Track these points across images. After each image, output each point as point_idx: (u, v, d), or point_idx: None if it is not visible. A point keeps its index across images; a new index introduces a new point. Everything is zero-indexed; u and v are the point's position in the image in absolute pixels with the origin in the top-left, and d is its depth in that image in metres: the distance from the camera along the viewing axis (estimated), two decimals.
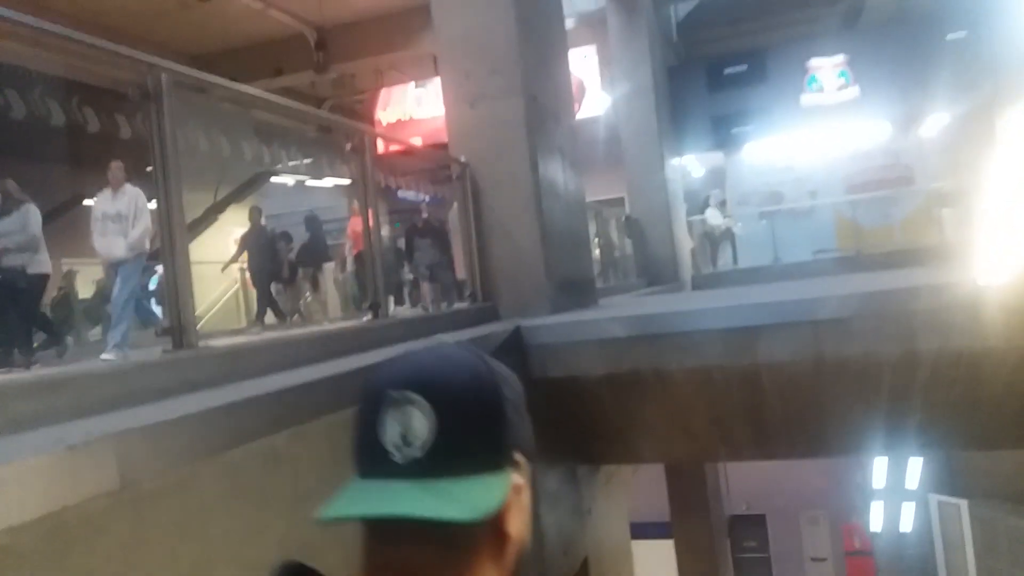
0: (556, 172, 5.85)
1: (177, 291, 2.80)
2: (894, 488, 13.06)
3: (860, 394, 4.52)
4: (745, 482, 20.61)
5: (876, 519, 13.94)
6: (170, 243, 2.81)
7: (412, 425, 0.71)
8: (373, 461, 0.71)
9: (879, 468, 12.54)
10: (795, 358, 4.21)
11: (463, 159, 5.38)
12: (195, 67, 3.43)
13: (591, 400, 4.81)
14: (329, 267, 11.31)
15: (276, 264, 10.51)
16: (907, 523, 13.70)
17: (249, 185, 15.86)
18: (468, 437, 0.75)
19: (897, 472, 12.60)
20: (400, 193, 15.84)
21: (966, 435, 4.98)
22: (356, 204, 7.18)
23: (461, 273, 5.41)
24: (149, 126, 2.79)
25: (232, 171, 14.34)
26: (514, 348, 4.58)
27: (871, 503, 13.97)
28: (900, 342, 4.04)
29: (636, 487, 19.53)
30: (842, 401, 4.62)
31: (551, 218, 5.61)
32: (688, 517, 13.10)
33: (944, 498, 19.31)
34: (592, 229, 9.22)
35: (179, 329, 2.78)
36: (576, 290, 6.14)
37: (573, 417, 5.12)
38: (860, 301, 4.08)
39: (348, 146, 4.41)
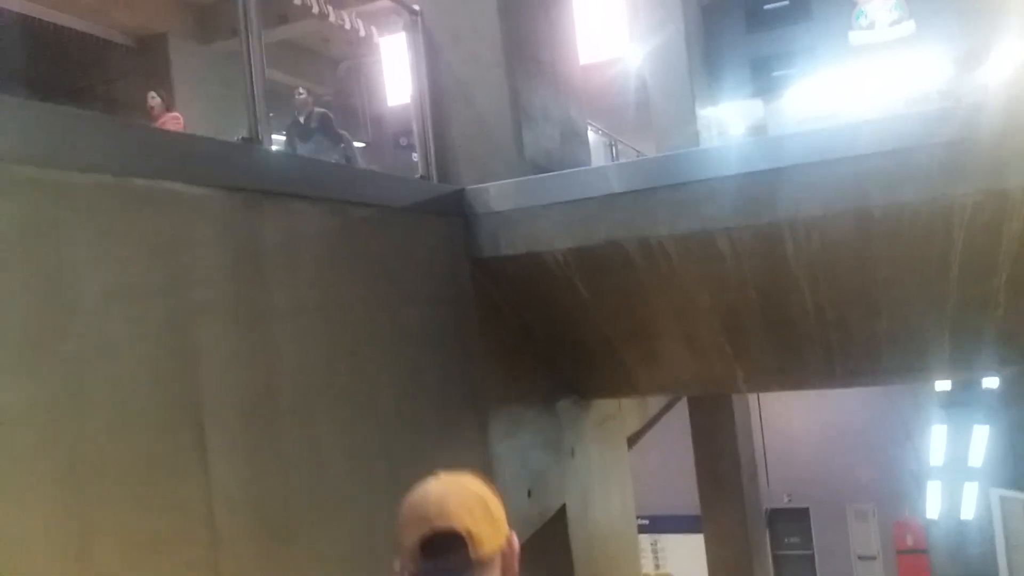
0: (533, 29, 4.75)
1: None
2: (954, 466, 11.56)
3: (920, 269, 3.31)
4: (786, 471, 19.13)
5: (933, 504, 12.45)
6: None
7: None
8: None
9: (937, 440, 11.07)
10: (829, 211, 3.04)
11: (415, 7, 4.31)
12: None
13: (559, 289, 3.69)
14: None
15: None
16: (968, 509, 12.17)
17: None
18: None
19: (958, 445, 11.11)
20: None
21: None
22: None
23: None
24: None
25: None
26: (455, 217, 3.49)
27: (927, 483, 12.48)
28: (982, 180, 2.84)
29: (663, 476, 18.27)
30: (895, 282, 3.42)
31: (527, 83, 4.50)
32: (720, 507, 11.85)
33: (1006, 492, 17.63)
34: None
35: None
36: None
37: (538, 316, 3.99)
38: (922, 126, 2.88)
39: None
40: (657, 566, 20.44)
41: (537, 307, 3.93)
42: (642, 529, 20.50)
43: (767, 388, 4.54)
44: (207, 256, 2.03)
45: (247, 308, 2.13)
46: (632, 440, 8.38)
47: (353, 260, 2.63)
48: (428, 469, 3.04)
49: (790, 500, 19.72)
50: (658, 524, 19.92)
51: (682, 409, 11.95)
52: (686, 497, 12.40)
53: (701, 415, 11.72)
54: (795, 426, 19.13)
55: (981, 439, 10.67)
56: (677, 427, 12.28)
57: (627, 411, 5.94)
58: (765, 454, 18.89)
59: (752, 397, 17.66)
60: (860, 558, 19.06)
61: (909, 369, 4.13)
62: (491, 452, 3.55)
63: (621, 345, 4.21)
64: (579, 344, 4.27)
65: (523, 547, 3.89)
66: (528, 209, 3.47)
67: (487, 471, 3.49)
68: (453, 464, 3.11)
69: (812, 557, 19.76)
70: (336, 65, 18.07)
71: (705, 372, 4.38)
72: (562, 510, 4.35)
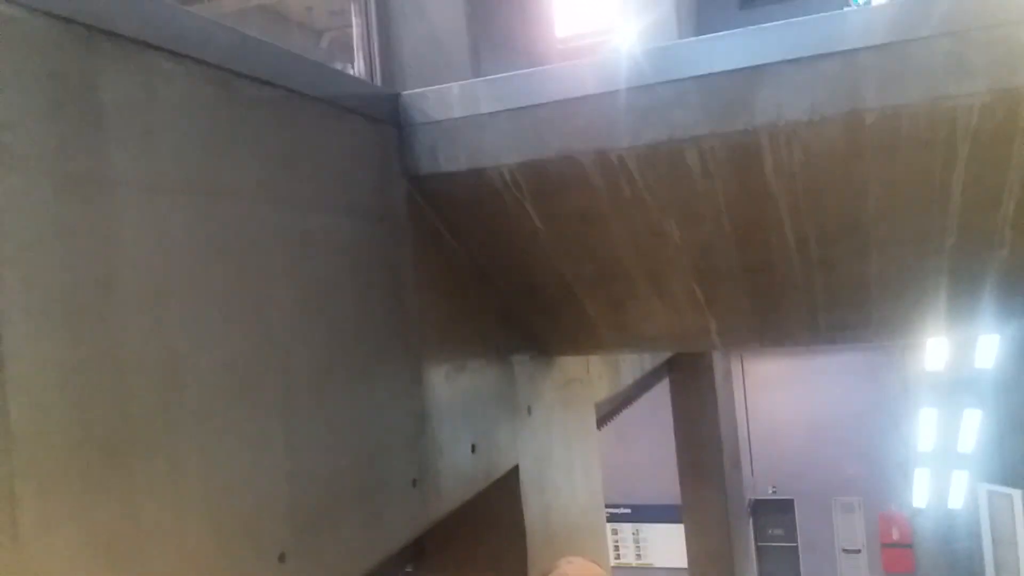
0: None
1: None
2: (943, 453, 11.21)
3: (917, 195, 2.89)
4: (772, 462, 18.86)
5: (920, 492, 12.10)
6: None
7: None
8: None
9: (926, 425, 10.70)
10: (815, 116, 2.60)
11: None
12: None
13: (508, 217, 3.25)
14: None
15: None
16: (956, 499, 11.84)
17: None
18: None
19: (948, 431, 10.76)
20: None
21: None
22: None
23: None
24: None
25: None
26: (388, 126, 3.04)
27: (914, 472, 12.13)
28: (992, 76, 2.41)
29: (647, 465, 17.90)
30: (888, 213, 2.99)
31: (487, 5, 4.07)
32: (701, 495, 11.46)
33: (995, 487, 17.36)
34: None
35: None
36: None
37: (488, 253, 3.56)
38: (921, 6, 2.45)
39: None
40: (639, 556, 20.13)
41: (486, 240, 3.49)
42: (624, 518, 20.26)
43: (744, 344, 4.11)
44: (14, 93, 1.58)
45: (75, 172, 1.68)
46: (608, 416, 7.98)
47: (241, 145, 2.18)
48: (338, 401, 2.61)
49: (775, 491, 19.43)
50: (641, 513, 19.62)
51: (666, 397, 11.56)
52: (669, 486, 12.04)
53: (683, 400, 11.33)
54: (781, 417, 18.80)
55: (972, 424, 10.30)
56: (661, 415, 11.90)
57: (596, 376, 5.52)
58: (750, 445, 18.57)
59: (738, 385, 17.32)
60: (845, 551, 18.81)
61: (901, 323, 3.71)
62: (426, 397, 3.12)
63: (583, 291, 3.78)
64: (537, 290, 3.84)
65: (466, 507, 3.49)
66: (472, 119, 3.03)
67: (420, 418, 3.06)
68: (375, 402, 2.66)
69: (796, 549, 19.50)
70: (319, 37, 17.57)
71: (675, 324, 3.96)
72: (514, 471, 3.93)
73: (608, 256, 3.50)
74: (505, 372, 3.96)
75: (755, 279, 3.49)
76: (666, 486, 11.75)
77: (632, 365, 6.56)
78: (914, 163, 2.73)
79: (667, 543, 19.23)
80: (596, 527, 5.16)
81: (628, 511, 19.60)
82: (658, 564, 19.03)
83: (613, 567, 19.48)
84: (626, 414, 20.61)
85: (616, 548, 19.86)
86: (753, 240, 3.26)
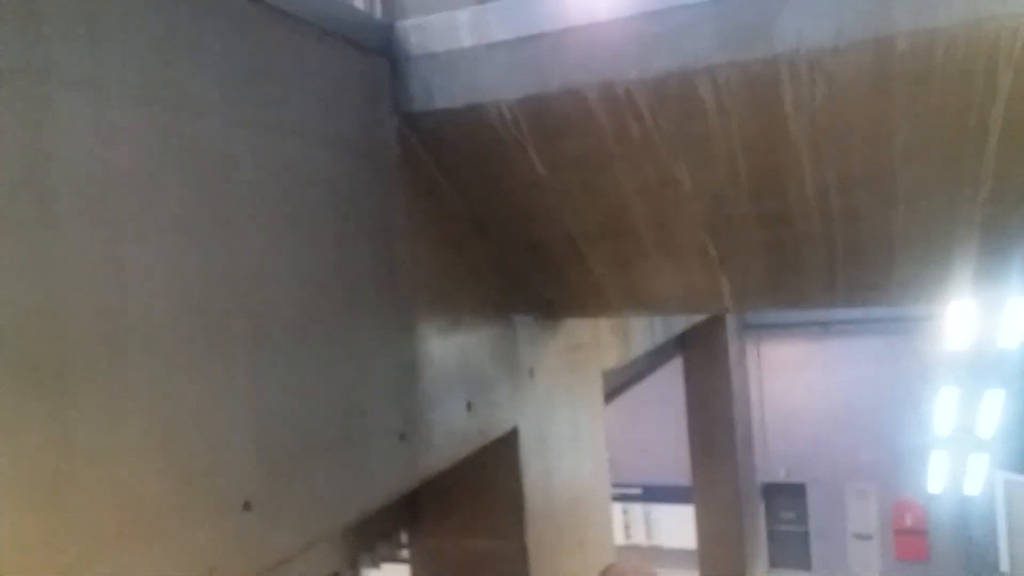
0: None
1: None
2: (961, 436, 10.92)
3: (951, 135, 2.65)
4: (785, 446, 18.60)
5: (936, 476, 11.83)
6: None
7: None
8: None
9: (945, 406, 10.39)
10: (840, 41, 2.37)
11: None
12: None
13: (508, 161, 3.05)
14: None
15: None
16: (973, 485, 11.55)
17: None
18: None
19: (967, 413, 10.46)
20: None
21: None
22: None
23: None
24: None
25: None
26: (380, 58, 2.84)
27: (931, 455, 11.86)
28: None
29: (658, 445, 17.70)
30: (918, 154, 2.75)
31: None
32: (712, 475, 11.27)
33: (1012, 476, 17.03)
34: None
35: None
36: None
37: (487, 202, 3.35)
38: None
39: None
40: (649, 536, 20.00)
41: (485, 189, 3.29)
42: (635, 499, 20.11)
43: (758, 305, 3.89)
44: None
45: (7, 65, 1.50)
46: (619, 390, 7.79)
47: (203, 56, 1.99)
48: (316, 343, 2.43)
49: (787, 475, 19.19)
50: (652, 494, 19.46)
51: (678, 376, 11.35)
52: (681, 467, 11.86)
53: (696, 379, 11.12)
54: (796, 400, 18.54)
55: (993, 406, 10.00)
56: (673, 395, 11.70)
57: (605, 343, 5.32)
58: (764, 428, 18.33)
59: (753, 367, 17.06)
60: (856, 537, 18.56)
61: (925, 283, 3.47)
62: (417, 349, 2.93)
63: (588, 247, 3.57)
64: (539, 246, 3.64)
65: (462, 469, 3.30)
66: (470, 51, 2.82)
67: (409, 370, 2.88)
68: (358, 348, 2.48)
69: (807, 534, 19.26)
70: None
71: (685, 284, 3.74)
72: (513, 434, 3.75)
73: (614, 207, 3.29)
74: (506, 332, 3.77)
75: (771, 232, 3.27)
76: (678, 467, 11.57)
77: (643, 336, 6.35)
78: (948, 97, 2.50)
79: (678, 524, 19.08)
80: (601, 499, 4.99)
81: (639, 491, 19.44)
82: (668, 545, 18.88)
83: (623, 547, 19.38)
84: (638, 393, 20.43)
85: (626, 528, 19.73)
86: (770, 188, 3.04)
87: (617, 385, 7.85)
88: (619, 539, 19.44)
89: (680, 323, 7.99)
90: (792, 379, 18.55)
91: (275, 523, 2.14)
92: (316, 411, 2.36)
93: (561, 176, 3.14)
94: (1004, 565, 17.61)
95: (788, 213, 3.16)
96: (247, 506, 2.05)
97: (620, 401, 21.05)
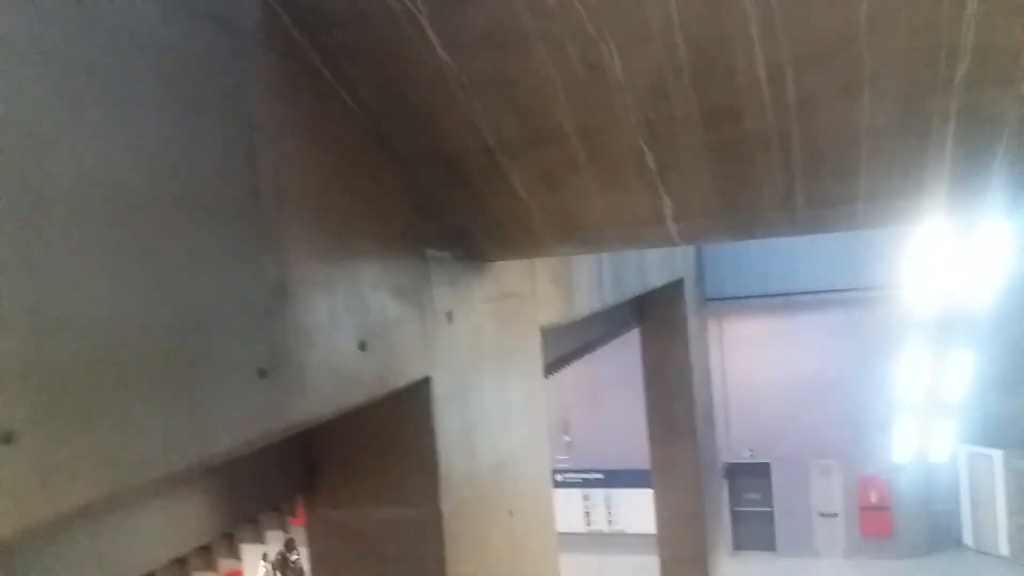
0: None
1: None
2: (927, 402, 10.63)
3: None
4: (748, 425, 18.37)
5: (901, 446, 11.57)
6: None
7: None
8: None
9: (911, 369, 10.09)
10: None
11: None
12: None
13: (400, 41, 2.51)
14: None
15: None
16: (939, 453, 11.31)
17: None
18: None
19: (934, 377, 10.16)
20: None
21: None
22: None
23: None
24: None
25: None
26: None
27: (896, 424, 11.60)
28: None
29: (619, 429, 17.32)
30: (887, 22, 2.27)
31: None
32: (672, 451, 10.86)
33: (976, 448, 16.99)
34: None
35: None
36: None
37: (383, 100, 2.80)
38: None
39: None
40: (611, 522, 19.67)
41: (379, 85, 2.75)
42: (596, 483, 19.74)
43: (707, 233, 3.42)
44: None
45: None
46: (568, 356, 7.30)
47: None
48: (132, 239, 1.82)
49: (752, 455, 18.98)
50: (613, 479, 19.11)
51: (639, 360, 10.92)
52: (642, 451, 11.43)
53: (654, 351, 10.71)
54: (759, 378, 18.29)
55: (961, 367, 9.70)
56: (634, 379, 11.28)
57: (544, 297, 4.82)
58: (727, 407, 18.05)
59: (715, 345, 16.71)
60: (821, 515, 18.41)
61: (895, 195, 3.02)
62: (289, 270, 2.39)
63: (508, 161, 3.05)
64: (453, 161, 3.11)
65: (365, 426, 2.70)
66: None
67: (274, 294, 2.33)
68: (199, 256, 1.91)
69: (771, 514, 19.09)
70: None
71: (623, 207, 3.24)
72: (425, 384, 3.22)
73: (536, 106, 2.77)
74: (415, 266, 3.23)
75: (717, 133, 2.78)
76: (639, 451, 11.16)
77: (590, 293, 5.87)
78: None
79: (639, 509, 18.72)
80: (537, 467, 4.49)
81: (600, 476, 19.09)
82: (630, 530, 18.54)
83: (584, 533, 18.98)
84: (598, 377, 20.09)
85: (587, 514, 19.37)
86: (714, 72, 2.54)
87: (567, 352, 7.37)
88: (580, 526, 19.04)
89: (633, 284, 7.53)
90: (754, 357, 18.29)
91: (55, 465, 1.59)
92: (131, 330, 1.81)
93: (468, 62, 2.61)
94: (967, 538, 17.60)
95: (737, 106, 2.67)
96: (9, 438, 1.50)
97: (580, 382, 20.77)
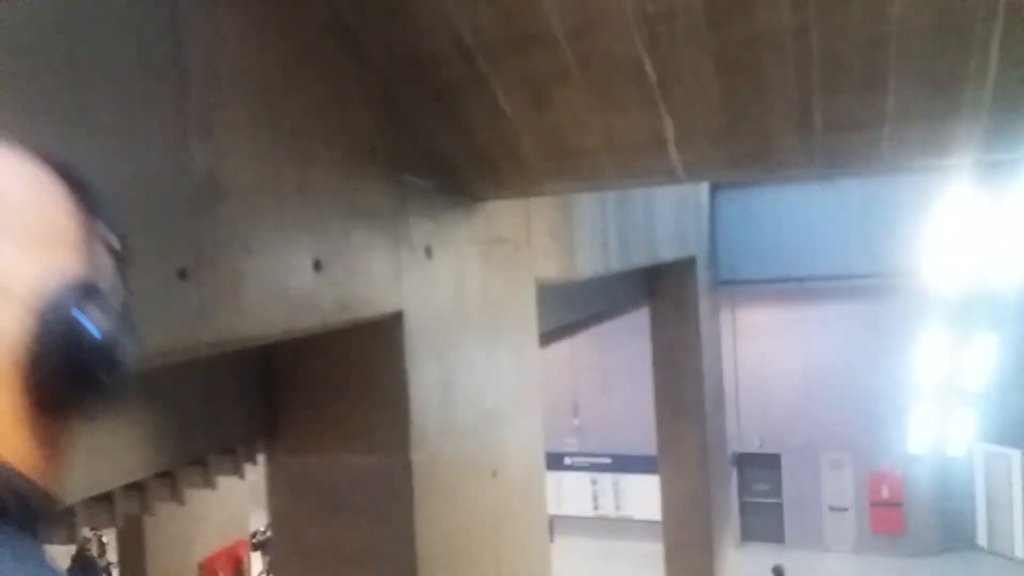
0: None
1: None
2: (947, 389, 10.18)
3: None
4: (760, 415, 17.98)
5: (917, 436, 11.14)
6: None
7: None
8: None
9: (931, 354, 9.66)
10: None
11: None
12: None
13: None
14: None
15: None
16: (958, 444, 10.87)
17: None
18: None
19: (954, 363, 9.70)
20: None
21: None
22: None
23: None
24: None
25: None
26: None
27: (912, 412, 11.17)
28: None
29: (628, 414, 16.96)
30: None
31: None
32: (679, 433, 10.50)
33: (994, 447, 16.52)
34: None
35: None
36: None
37: None
38: None
39: None
40: (618, 507, 19.39)
41: None
42: (604, 468, 19.44)
43: (713, 166, 3.08)
44: None
45: None
46: (573, 326, 6.98)
47: None
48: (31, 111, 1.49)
49: (762, 445, 18.59)
50: (622, 463, 18.80)
51: (650, 345, 10.58)
52: (652, 438, 11.07)
53: (664, 329, 10.35)
54: (772, 368, 17.88)
55: (983, 353, 9.25)
56: (645, 364, 10.92)
57: (541, 247, 4.49)
58: (738, 396, 17.64)
59: (727, 333, 16.30)
60: (831, 509, 18.01)
61: (926, 118, 2.66)
62: (222, 162, 2.08)
63: (489, 65, 2.72)
64: (427, 64, 2.78)
65: (331, 362, 2.41)
66: None
67: (206, 184, 2.02)
68: (113, 131, 1.60)
69: (780, 506, 18.71)
70: None
71: (619, 130, 2.91)
72: (396, 319, 2.91)
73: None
74: (389, 191, 2.92)
75: (725, 33, 2.44)
76: (649, 437, 10.83)
77: (593, 252, 5.53)
78: None
79: (648, 495, 18.42)
80: (527, 427, 4.16)
81: (609, 461, 18.78)
82: (637, 516, 18.22)
83: (591, 518, 18.70)
84: (610, 362, 19.70)
85: (595, 499, 19.08)
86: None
87: (571, 321, 7.05)
88: (587, 510, 18.74)
89: (642, 253, 7.18)
90: (768, 346, 17.88)
91: None
92: None
93: None
94: (981, 539, 17.12)
95: (749, 6, 2.33)
96: None
97: (591, 366, 20.39)
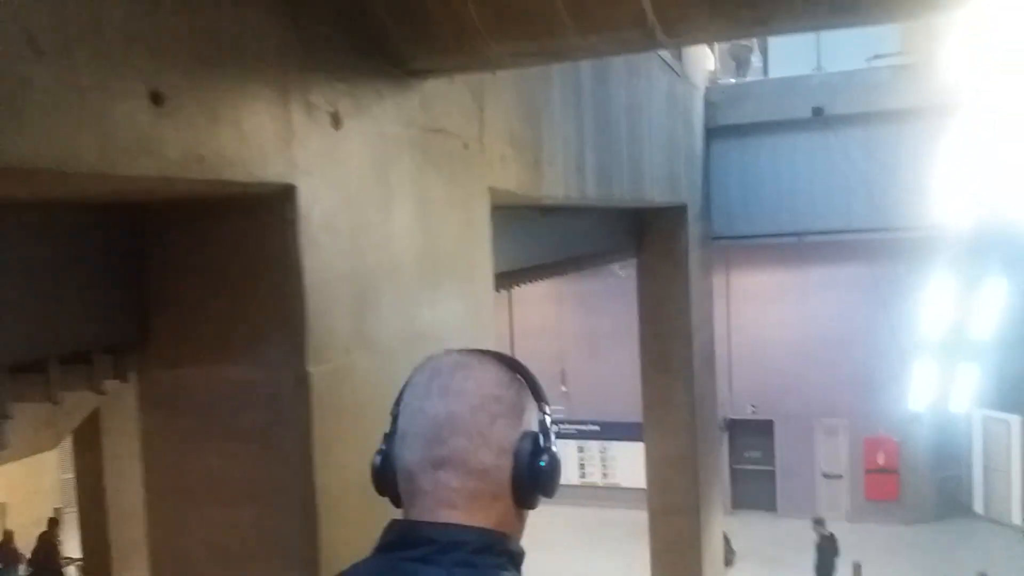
0: None
1: None
2: (952, 340, 9.62)
3: None
4: (753, 381, 17.48)
5: (918, 391, 10.62)
6: None
7: None
8: None
9: (935, 305, 9.12)
10: None
11: None
12: None
13: None
14: None
15: None
16: (960, 401, 10.35)
17: None
18: None
19: (959, 313, 9.15)
20: None
21: None
22: None
23: None
24: None
25: None
26: None
27: (914, 366, 10.64)
28: None
29: (616, 380, 16.41)
30: None
31: None
32: (665, 393, 9.96)
33: (992, 412, 16.06)
34: None
35: None
36: None
37: None
38: None
39: None
40: (605, 475, 18.97)
41: None
42: (591, 435, 18.94)
43: (695, 25, 2.43)
44: None
45: None
46: (541, 268, 6.40)
47: None
48: None
49: (755, 411, 18.14)
50: (609, 431, 18.33)
51: (637, 310, 10.00)
52: (640, 405, 10.51)
53: (650, 281, 9.79)
54: (766, 333, 17.32)
55: (992, 300, 8.69)
56: (633, 328, 10.34)
57: (497, 152, 3.87)
58: (730, 361, 17.05)
59: (720, 295, 15.66)
60: (825, 476, 17.60)
61: None
62: None
63: None
64: None
65: (210, 252, 1.83)
66: None
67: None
68: None
69: (773, 474, 18.31)
70: None
71: None
72: (284, 195, 2.31)
73: None
74: (269, 28, 2.29)
75: None
76: (637, 404, 10.31)
77: (564, 172, 4.91)
78: None
79: (635, 463, 18.00)
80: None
81: (596, 428, 18.33)
82: (625, 484, 17.79)
83: (578, 485, 18.23)
84: (597, 328, 19.13)
85: (582, 466, 18.65)
86: None
87: (547, 262, 6.46)
88: (574, 478, 18.28)
89: (625, 187, 6.57)
90: (762, 309, 17.33)
91: None
92: None
93: None
94: (978, 506, 16.74)
95: None
96: None
97: (578, 332, 19.82)
